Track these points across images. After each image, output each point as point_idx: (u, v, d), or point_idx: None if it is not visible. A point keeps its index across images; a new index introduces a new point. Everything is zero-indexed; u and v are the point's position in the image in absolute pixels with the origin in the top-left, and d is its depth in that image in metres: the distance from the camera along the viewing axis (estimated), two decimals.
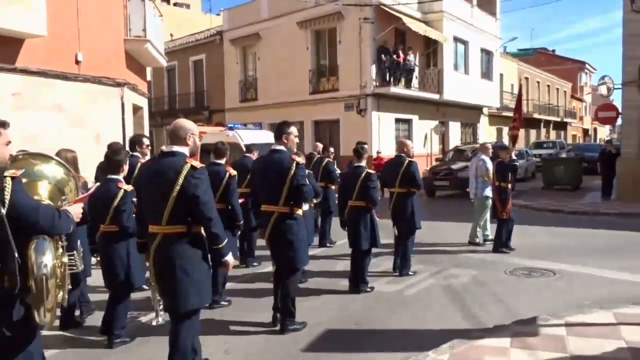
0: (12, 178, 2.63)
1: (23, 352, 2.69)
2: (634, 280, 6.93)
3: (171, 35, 31.76)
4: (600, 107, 17.81)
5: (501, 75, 32.06)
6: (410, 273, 7.40)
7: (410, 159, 7.36)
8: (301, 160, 4.88)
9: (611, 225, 11.57)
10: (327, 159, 9.05)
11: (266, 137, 16.57)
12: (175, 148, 3.68)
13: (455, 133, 26.32)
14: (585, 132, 62.93)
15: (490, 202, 9.24)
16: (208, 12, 41.10)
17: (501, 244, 8.88)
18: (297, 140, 4.96)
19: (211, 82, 26.38)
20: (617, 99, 15.48)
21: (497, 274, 7.41)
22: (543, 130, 44.07)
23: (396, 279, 7.21)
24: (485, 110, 30.59)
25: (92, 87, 10.66)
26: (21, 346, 2.68)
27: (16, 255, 2.47)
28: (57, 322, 5.02)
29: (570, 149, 29.88)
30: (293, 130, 4.93)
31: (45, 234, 2.64)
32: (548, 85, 46.05)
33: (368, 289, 6.57)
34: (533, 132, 41.54)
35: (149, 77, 15.65)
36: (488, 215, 9.40)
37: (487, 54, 28.09)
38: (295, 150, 5.09)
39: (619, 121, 16.51)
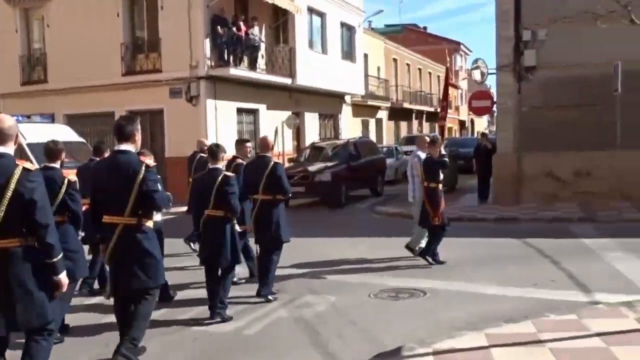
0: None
1: None
2: (508, 295, 7.69)
3: None
4: (474, 95, 19.48)
5: (365, 55, 33.74)
6: (270, 298, 7.73)
7: (276, 161, 7.76)
8: (151, 162, 5.16)
9: (488, 232, 12.63)
10: (238, 161, 8.75)
11: (62, 133, 15.58)
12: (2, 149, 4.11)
13: (313, 126, 27.07)
14: (462, 124, 68.82)
15: None
16: None
17: (428, 251, 9.59)
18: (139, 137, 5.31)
19: None
20: (494, 85, 17.24)
21: (359, 299, 7.75)
22: (415, 123, 47.29)
23: (240, 312, 7.26)
24: (348, 99, 31.86)
25: None
26: None
27: None
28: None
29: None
30: (138, 126, 5.25)
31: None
32: (419, 69, 49.60)
33: (227, 317, 6.94)
34: (403, 125, 44.40)
35: None
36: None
37: (348, 29, 29.42)
38: (140, 149, 5.43)
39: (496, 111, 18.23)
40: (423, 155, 9.89)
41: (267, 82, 22.42)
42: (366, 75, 33.65)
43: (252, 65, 21.32)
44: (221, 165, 7.14)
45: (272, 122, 23.49)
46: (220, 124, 20.58)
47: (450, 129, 60.23)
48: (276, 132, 23.66)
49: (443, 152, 9.87)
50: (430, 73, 52.82)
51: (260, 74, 21.78)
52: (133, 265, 5.15)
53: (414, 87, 46.88)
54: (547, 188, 16.10)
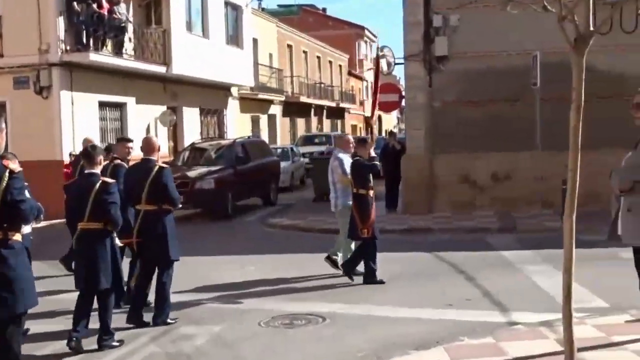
0: None
1: None
2: (418, 317, 7.93)
3: None
4: (380, 88, 19.72)
5: (255, 41, 33.74)
6: (170, 320, 7.96)
7: (162, 165, 7.93)
8: (16, 167, 5.17)
9: (397, 245, 12.97)
10: (116, 162, 8.90)
11: None
12: None
13: (193, 124, 26.88)
14: (368, 121, 70.08)
15: None
16: None
17: (353, 267, 9.84)
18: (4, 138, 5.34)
19: None
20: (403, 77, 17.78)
21: (248, 328, 7.74)
22: (314, 120, 47.78)
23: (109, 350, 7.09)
24: (234, 91, 31.74)
25: None
26: None
27: None
28: None
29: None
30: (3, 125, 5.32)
31: None
32: (318, 57, 50.20)
33: (115, 343, 7.15)
34: (300, 122, 44.78)
35: None
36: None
37: (234, 9, 29.35)
38: (3, 153, 5.45)
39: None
40: (345, 158, 10.13)
41: (137, 70, 22.07)
42: (256, 64, 33.62)
43: (118, 50, 20.91)
44: (99, 170, 7.23)
45: (143, 118, 23.09)
46: (79, 120, 19.97)
47: (354, 127, 61.35)
48: (148, 130, 23.26)
49: (373, 154, 10.07)
50: (330, 62, 53.58)
51: (128, 61, 21.40)
52: None
53: (313, 78, 47.36)
54: (462, 194, 16.69)
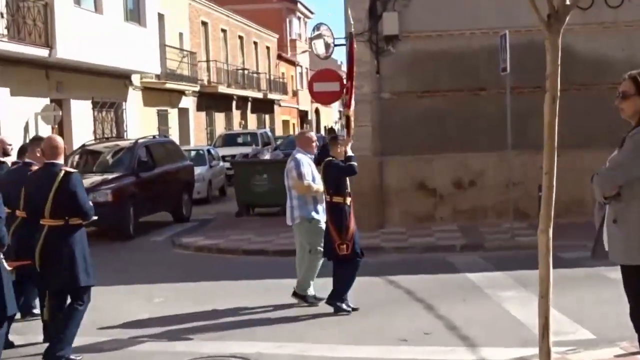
0: None
1: None
2: (364, 357, 8.00)
3: None
4: (317, 75, 20.07)
5: (161, 17, 33.68)
6: (73, 357, 8.01)
7: (68, 169, 8.07)
8: None
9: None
10: None
11: None
12: None
13: (84, 121, 26.59)
14: (304, 115, 70.30)
15: (318, 226, 10.18)
16: None
17: (339, 296, 9.81)
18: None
19: None
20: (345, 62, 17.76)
21: None
22: (236, 115, 47.64)
23: None
24: (136, 80, 31.53)
25: None
26: None
27: None
28: None
29: (278, 146, 32.79)
30: None
31: None
32: (241, 38, 50.15)
33: None
34: (219, 118, 44.64)
35: None
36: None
37: None
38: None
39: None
40: (303, 159, 10.29)
41: (11, 54, 21.75)
42: (163, 46, 33.51)
43: None
44: None
45: (21, 114, 22.78)
46: None
47: (286, 122, 61.45)
48: (27, 129, 22.89)
49: (350, 152, 10.17)
50: (256, 43, 53.59)
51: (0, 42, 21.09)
52: None
53: (234, 63, 47.25)
54: (419, 205, 16.86)
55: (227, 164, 27.66)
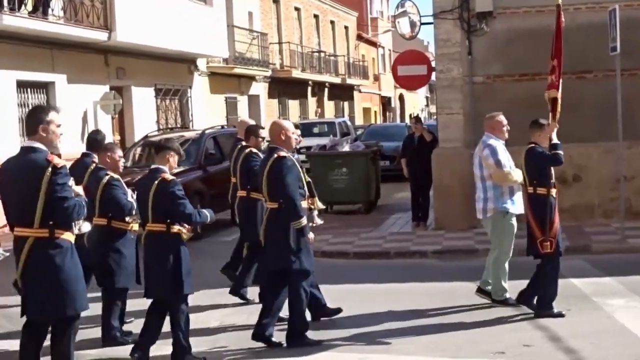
0: None
1: None
2: None
3: None
4: (401, 57, 19.90)
5: None
6: None
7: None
8: (61, 162, 6.85)
9: (428, 273, 13.09)
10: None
11: None
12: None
13: (146, 110, 26.93)
14: (387, 102, 70.02)
15: (511, 222, 10.32)
16: None
17: (547, 303, 9.86)
18: (60, 131, 7.12)
19: None
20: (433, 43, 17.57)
21: None
22: (311, 102, 47.64)
23: None
24: (202, 65, 31.82)
25: None
26: None
27: None
28: None
29: (358, 137, 32.71)
30: (54, 117, 7.05)
31: None
32: (316, 17, 50.13)
33: None
34: (294, 105, 44.77)
35: None
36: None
37: None
38: (57, 145, 7.12)
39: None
40: (498, 145, 10.39)
41: (68, 38, 22.11)
42: (231, 27, 33.66)
43: (42, 11, 20.95)
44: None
45: (78, 102, 23.15)
46: None
47: (367, 110, 61.25)
48: (85, 119, 23.30)
49: (555, 139, 10.25)
50: (333, 22, 53.49)
51: (56, 25, 21.42)
52: (42, 286, 6.94)
53: (309, 45, 47.21)
54: None
55: (302, 157, 27.65)
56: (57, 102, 22.27)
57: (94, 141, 11.02)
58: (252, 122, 13.22)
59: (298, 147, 10.21)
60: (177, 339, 8.51)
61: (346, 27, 56.66)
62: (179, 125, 27.83)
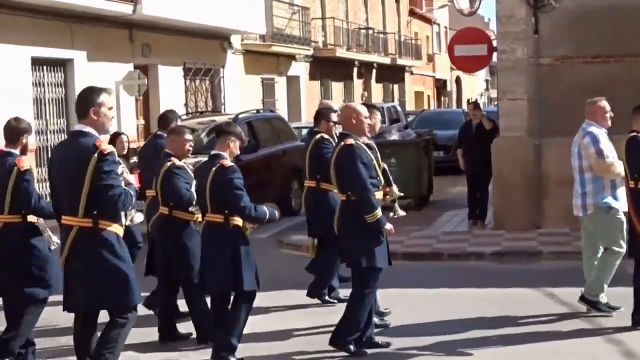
0: None
1: None
2: None
3: None
4: (458, 35, 19.67)
5: None
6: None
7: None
8: (108, 148, 7.05)
9: (485, 276, 12.89)
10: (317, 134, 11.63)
11: None
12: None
13: (174, 91, 26.88)
14: (441, 87, 69.77)
15: (617, 217, 10.12)
16: None
17: None
18: (112, 114, 7.36)
19: None
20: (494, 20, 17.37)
21: None
22: (357, 84, 47.47)
23: None
24: (236, 42, 31.80)
25: None
26: None
27: None
28: None
29: (409, 124, 32.69)
30: (105, 99, 7.30)
31: None
32: None
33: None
34: (337, 88, 44.67)
35: None
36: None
37: None
38: (108, 129, 7.46)
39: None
40: (600, 133, 10.30)
41: (88, 10, 22.15)
42: (269, 0, 33.56)
43: None
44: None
45: (99, 82, 21.58)
46: (2, 83, 20.09)
47: (419, 94, 60.92)
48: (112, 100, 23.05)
49: None
50: None
51: None
52: (87, 278, 7.17)
53: (355, 21, 47.11)
54: None
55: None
56: (75, 81, 22.71)
57: (168, 120, 11.65)
58: (332, 104, 13.33)
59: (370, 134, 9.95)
60: (226, 336, 8.65)
61: (397, 1, 56.24)
62: (209, 109, 27.92)
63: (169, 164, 9.64)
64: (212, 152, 9.04)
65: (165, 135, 10.73)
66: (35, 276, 8.68)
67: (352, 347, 9.03)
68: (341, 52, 42.51)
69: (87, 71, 22.71)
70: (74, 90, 22.13)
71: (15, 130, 8.95)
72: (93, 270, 7.12)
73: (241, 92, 31.36)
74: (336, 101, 41.67)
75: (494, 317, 10.45)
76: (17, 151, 8.87)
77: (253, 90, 33.42)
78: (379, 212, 8.94)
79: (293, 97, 38.05)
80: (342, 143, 9.10)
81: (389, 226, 9.04)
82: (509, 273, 13.26)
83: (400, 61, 53.65)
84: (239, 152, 9.25)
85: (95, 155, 6.92)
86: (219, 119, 20.74)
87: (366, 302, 8.99)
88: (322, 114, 11.81)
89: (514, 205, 16.48)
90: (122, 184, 7.15)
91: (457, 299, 11.57)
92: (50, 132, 21.77)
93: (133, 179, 7.63)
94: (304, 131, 26.40)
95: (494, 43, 18.33)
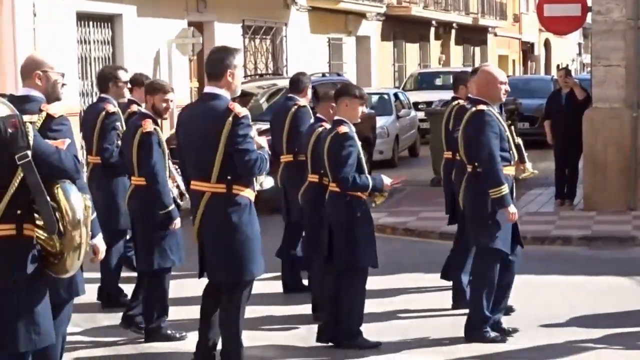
0: (31, 123, 5.87)
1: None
2: None
3: None
4: None
5: None
6: None
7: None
8: (243, 111, 7.46)
9: (574, 263, 13.00)
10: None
11: None
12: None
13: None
14: (528, 50, 69.11)
15: None
16: None
17: None
18: (242, 76, 7.75)
19: None
20: None
21: None
22: (434, 46, 47.36)
23: None
24: None
25: None
26: (30, 304, 5.62)
27: (49, 199, 5.49)
28: None
29: None
30: (240, 61, 7.73)
31: (67, 179, 5.74)
32: None
33: None
34: (412, 50, 44.71)
35: None
36: None
37: None
38: (238, 93, 7.83)
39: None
40: None
41: None
42: None
43: None
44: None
45: (149, 41, 23.41)
46: (44, 43, 20.09)
47: (503, 58, 60.48)
48: (157, 60, 23.75)
49: None
50: None
51: None
52: (219, 245, 7.75)
53: None
54: None
55: (421, 114, 27.50)
56: (124, 38, 22.89)
57: (301, 84, 12.20)
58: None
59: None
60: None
61: None
62: (270, 72, 27.86)
63: (320, 128, 9.76)
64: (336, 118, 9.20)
65: (297, 97, 11.62)
66: (161, 247, 9.25)
67: (490, 334, 9.15)
68: (417, 10, 42.36)
69: (137, 28, 23.02)
70: (122, 48, 22.52)
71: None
72: (227, 239, 7.62)
73: (306, 54, 31.43)
74: (410, 65, 41.87)
75: (579, 308, 10.45)
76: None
77: (319, 52, 33.50)
78: (505, 189, 8.83)
79: (363, 60, 37.89)
80: (474, 109, 9.14)
81: (513, 209, 8.95)
82: (599, 260, 13.33)
83: (483, 21, 53.46)
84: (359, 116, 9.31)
85: (230, 118, 7.33)
86: (281, 83, 21.03)
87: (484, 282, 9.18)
88: (460, 79, 11.98)
89: (606, 184, 16.50)
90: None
91: (542, 287, 11.60)
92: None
93: (264, 141, 7.93)
94: (374, 98, 26.61)
95: (589, 2, 18.18)
